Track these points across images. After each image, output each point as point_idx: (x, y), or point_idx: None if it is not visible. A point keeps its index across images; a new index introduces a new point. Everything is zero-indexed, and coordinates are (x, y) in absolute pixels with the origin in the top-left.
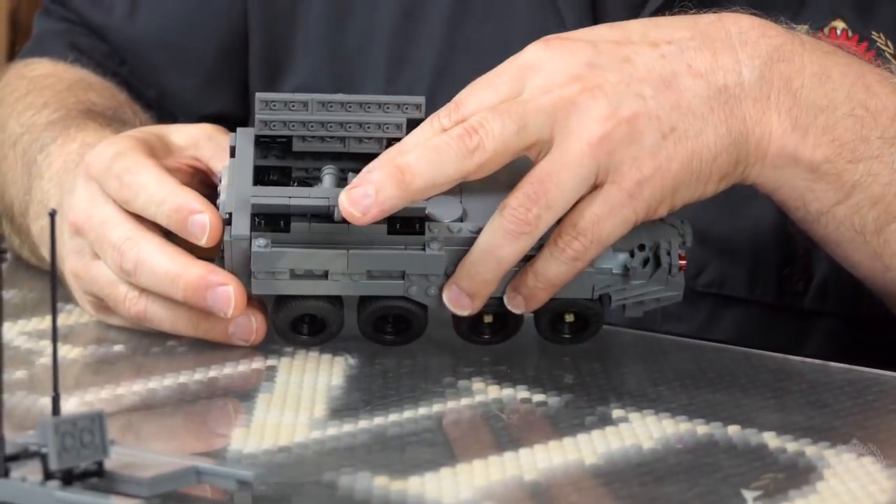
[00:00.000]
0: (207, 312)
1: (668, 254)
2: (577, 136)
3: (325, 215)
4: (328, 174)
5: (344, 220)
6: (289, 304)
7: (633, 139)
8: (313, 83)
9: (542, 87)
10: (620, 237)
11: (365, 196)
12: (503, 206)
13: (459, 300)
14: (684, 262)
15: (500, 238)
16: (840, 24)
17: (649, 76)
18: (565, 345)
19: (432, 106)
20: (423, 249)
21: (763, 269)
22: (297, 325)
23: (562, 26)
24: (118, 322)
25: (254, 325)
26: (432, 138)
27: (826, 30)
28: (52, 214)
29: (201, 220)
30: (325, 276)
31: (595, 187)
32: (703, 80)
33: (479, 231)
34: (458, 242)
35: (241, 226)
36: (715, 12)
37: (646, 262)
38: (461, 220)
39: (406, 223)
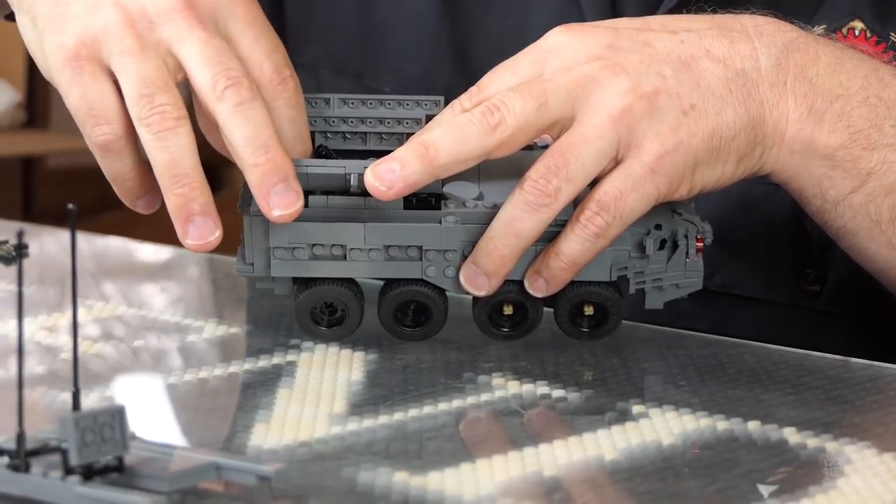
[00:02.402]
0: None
1: (686, 237)
2: (598, 110)
3: (343, 190)
4: (354, 173)
5: (361, 193)
6: (309, 289)
7: (654, 114)
8: (337, 54)
9: (562, 66)
10: (641, 216)
11: (390, 171)
12: (523, 179)
13: (476, 279)
14: (701, 244)
15: (520, 211)
16: (858, 25)
17: (669, 58)
18: (585, 340)
19: (453, 92)
20: (440, 223)
21: (778, 269)
22: (316, 316)
23: (581, 20)
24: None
25: (216, 233)
26: (456, 117)
27: (844, 30)
28: (73, 211)
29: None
30: (344, 257)
31: (616, 163)
32: (722, 63)
33: (495, 207)
34: (475, 218)
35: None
36: (731, 12)
37: (662, 243)
38: (479, 199)
39: (422, 199)
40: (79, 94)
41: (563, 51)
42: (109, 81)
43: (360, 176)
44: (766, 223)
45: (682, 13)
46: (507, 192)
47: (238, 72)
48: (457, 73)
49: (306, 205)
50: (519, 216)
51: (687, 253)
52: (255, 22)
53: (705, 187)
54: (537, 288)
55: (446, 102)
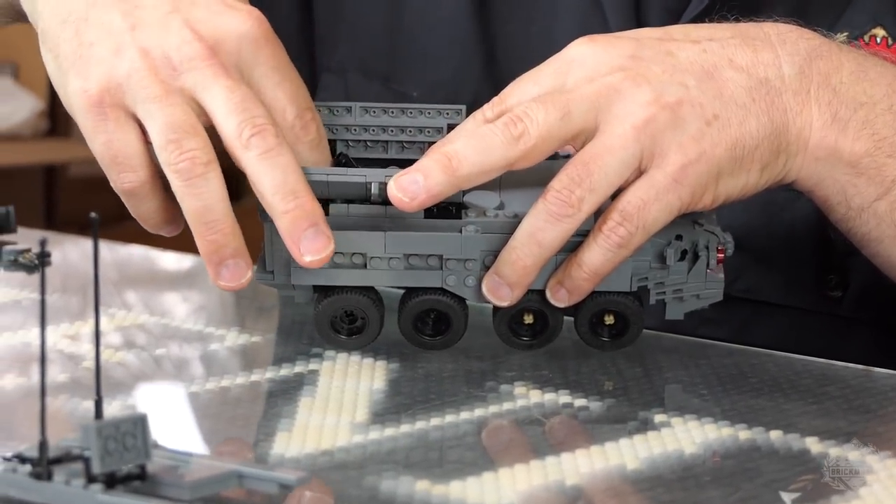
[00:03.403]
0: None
1: (706, 247)
2: (621, 120)
3: (363, 199)
4: (375, 181)
5: (382, 202)
6: (329, 298)
7: (677, 125)
8: (365, 58)
9: (585, 77)
10: (664, 226)
11: (413, 182)
12: (547, 190)
13: (499, 289)
14: (722, 255)
15: (543, 221)
16: (880, 32)
17: (691, 68)
18: (605, 349)
19: (477, 102)
20: (460, 232)
21: (800, 275)
22: (337, 325)
23: (605, 27)
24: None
25: (247, 275)
26: (479, 128)
27: (866, 37)
28: (96, 220)
29: None
30: (364, 265)
31: (640, 173)
32: (745, 72)
33: (516, 216)
34: (496, 228)
35: None
36: (753, 20)
37: (683, 254)
38: (499, 208)
39: (443, 209)
40: (103, 141)
41: (585, 61)
42: (134, 127)
43: (381, 185)
44: (788, 229)
45: (704, 22)
46: (528, 202)
47: (263, 119)
48: (484, 77)
49: (326, 213)
50: (542, 226)
51: (708, 264)
52: (279, 67)
53: (729, 197)
54: (559, 298)
55: (471, 108)
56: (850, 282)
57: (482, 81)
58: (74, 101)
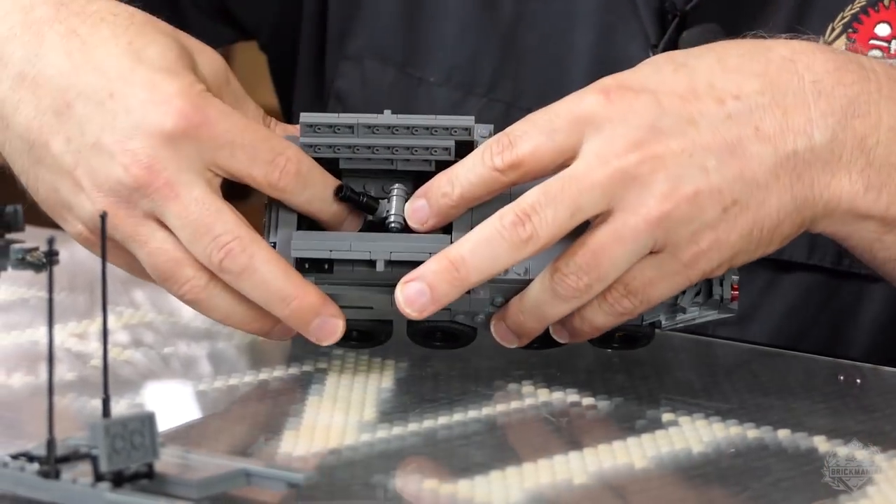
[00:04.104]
0: (266, 313)
1: (721, 284)
2: (634, 212)
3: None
4: (397, 196)
5: (388, 266)
6: None
7: (693, 216)
8: (382, 44)
9: (598, 154)
10: None
11: (420, 294)
12: (554, 269)
13: (507, 336)
14: (737, 292)
15: (549, 297)
16: None
17: (713, 142)
18: (614, 352)
19: (498, 79)
20: (469, 293)
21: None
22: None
23: (631, 4)
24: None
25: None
26: (486, 229)
27: (876, 6)
28: (103, 217)
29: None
30: (371, 308)
31: (651, 252)
32: (771, 145)
33: (525, 272)
34: (505, 283)
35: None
36: (790, 37)
37: (697, 293)
38: None
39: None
40: (126, 263)
41: (601, 127)
42: (162, 235)
43: (387, 262)
44: None
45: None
46: (540, 255)
47: (227, 235)
48: (503, 58)
49: (331, 271)
50: (548, 301)
51: (721, 299)
52: (231, 131)
53: (744, 264)
54: (561, 336)
55: (490, 88)
56: None
57: (500, 64)
58: (79, 240)
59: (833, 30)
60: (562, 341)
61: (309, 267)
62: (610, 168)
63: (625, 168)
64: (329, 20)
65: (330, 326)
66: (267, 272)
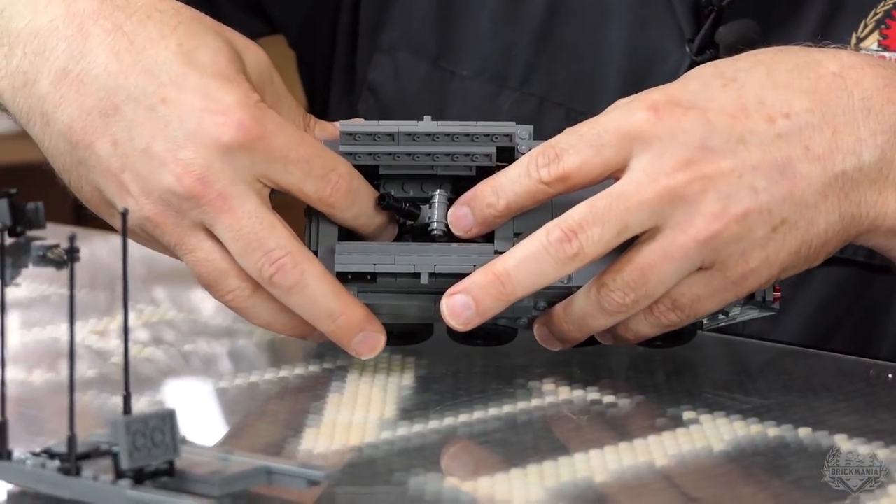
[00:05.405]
0: (307, 321)
1: (763, 290)
2: (683, 230)
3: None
4: (438, 203)
5: (432, 276)
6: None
7: (742, 236)
8: (415, 37)
9: (647, 171)
10: None
11: (465, 308)
12: (601, 284)
13: (550, 341)
14: (779, 293)
15: (594, 311)
16: None
17: (763, 162)
18: (655, 348)
19: (531, 73)
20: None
21: None
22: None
23: None
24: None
25: (381, 342)
26: (532, 244)
27: None
28: (124, 214)
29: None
30: (413, 314)
31: (700, 269)
32: (820, 165)
33: (568, 280)
34: (549, 289)
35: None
36: (837, 48)
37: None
38: None
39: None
40: (174, 256)
41: (650, 145)
42: (209, 245)
43: (430, 275)
44: None
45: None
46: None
47: (279, 250)
48: (536, 52)
49: (374, 281)
50: (593, 314)
51: (764, 300)
52: (288, 145)
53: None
54: (605, 340)
55: (523, 82)
56: None
57: (533, 57)
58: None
59: (866, 26)
60: (605, 343)
61: (352, 278)
62: (659, 186)
63: (674, 187)
64: (362, 13)
65: (372, 342)
66: (317, 289)
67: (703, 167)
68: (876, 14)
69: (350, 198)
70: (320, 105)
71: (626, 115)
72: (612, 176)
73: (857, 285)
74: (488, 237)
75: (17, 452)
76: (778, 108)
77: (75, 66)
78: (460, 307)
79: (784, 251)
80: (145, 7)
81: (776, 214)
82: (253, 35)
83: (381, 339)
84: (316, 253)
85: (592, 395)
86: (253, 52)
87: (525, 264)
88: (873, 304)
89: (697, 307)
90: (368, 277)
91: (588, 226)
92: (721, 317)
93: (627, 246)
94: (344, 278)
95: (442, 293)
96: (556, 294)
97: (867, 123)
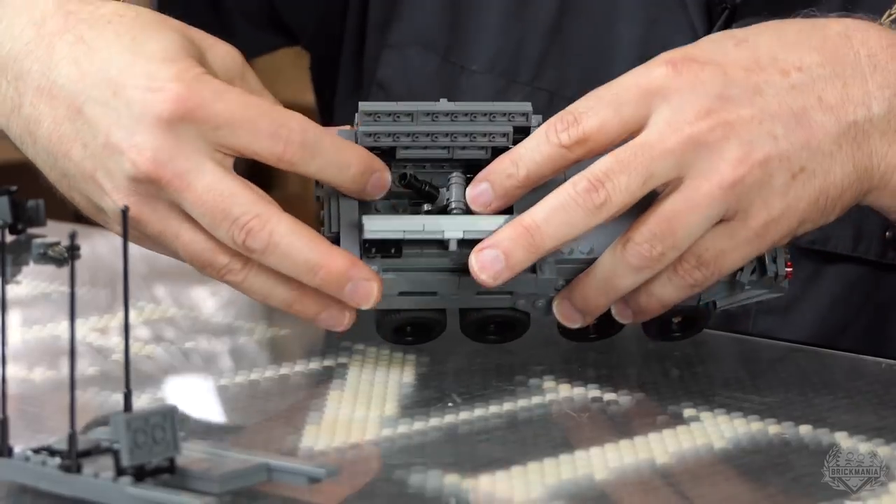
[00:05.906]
0: (307, 291)
1: (775, 261)
2: (708, 178)
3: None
4: (456, 184)
5: (460, 246)
6: (394, 314)
7: (764, 182)
8: (425, 32)
9: (669, 122)
10: None
11: (496, 261)
12: (627, 240)
13: (571, 315)
14: (790, 269)
15: (622, 269)
16: None
17: (780, 112)
18: (674, 341)
19: (541, 68)
20: (535, 272)
21: (867, 226)
22: (399, 330)
23: None
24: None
25: (346, 320)
26: (559, 195)
27: None
28: (124, 211)
29: (383, 179)
30: (435, 293)
31: (721, 220)
32: (834, 115)
33: (590, 252)
34: (570, 264)
35: (351, 249)
36: (841, 16)
37: (752, 270)
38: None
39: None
40: (170, 252)
41: (670, 98)
42: (189, 226)
43: (459, 241)
44: None
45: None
46: (602, 230)
47: (245, 215)
48: (547, 47)
49: (399, 255)
50: (620, 274)
51: (776, 277)
52: (230, 109)
53: (806, 233)
54: (624, 316)
55: (534, 77)
56: None
57: (544, 53)
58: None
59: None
60: (624, 321)
61: (376, 251)
62: (682, 135)
63: (696, 135)
64: (371, 8)
65: (363, 289)
66: (288, 244)
67: (723, 115)
68: (891, 14)
69: (308, 150)
70: (328, 104)
71: (645, 72)
72: (631, 136)
73: (867, 284)
74: (507, 213)
75: (18, 450)
76: (791, 62)
77: (46, 81)
78: (490, 260)
79: (804, 200)
80: (108, 14)
81: (795, 162)
82: (267, 49)
83: (373, 285)
84: (338, 235)
85: (593, 392)
86: (221, 48)
87: (554, 215)
88: (884, 303)
89: (721, 262)
90: (393, 251)
91: (614, 175)
92: (736, 295)
93: (645, 208)
94: (368, 253)
95: (466, 270)
96: (578, 269)
97: (874, 78)
